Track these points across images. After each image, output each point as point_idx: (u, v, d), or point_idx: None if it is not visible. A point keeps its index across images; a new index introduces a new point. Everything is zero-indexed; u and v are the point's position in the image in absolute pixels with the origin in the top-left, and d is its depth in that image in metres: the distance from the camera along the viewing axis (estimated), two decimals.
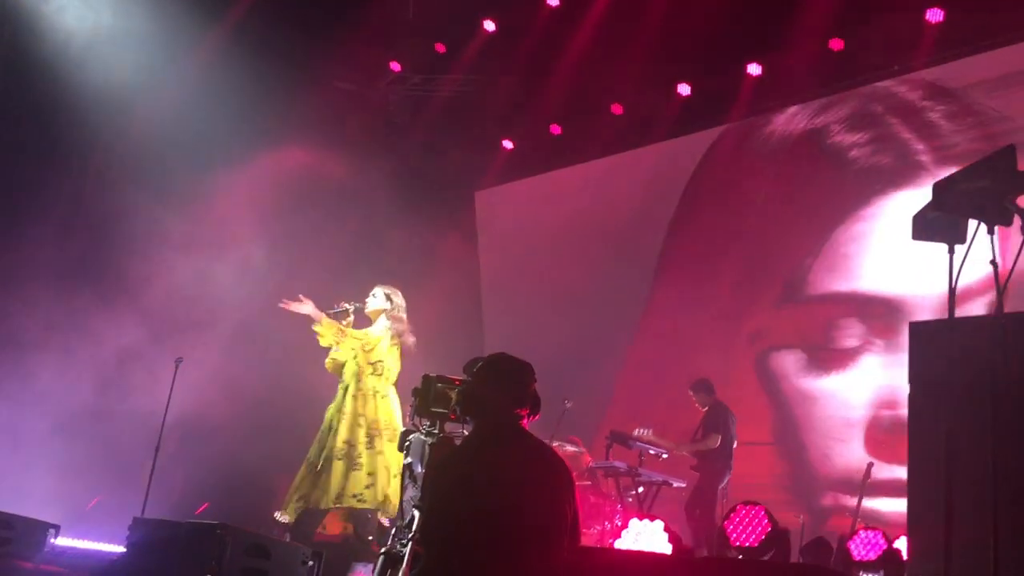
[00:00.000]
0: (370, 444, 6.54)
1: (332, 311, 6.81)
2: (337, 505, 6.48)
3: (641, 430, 8.58)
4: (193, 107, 9.47)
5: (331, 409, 6.79)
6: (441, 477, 3.47)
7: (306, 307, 6.72)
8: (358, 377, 6.70)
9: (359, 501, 6.40)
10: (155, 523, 5.67)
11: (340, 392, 6.78)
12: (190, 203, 9.20)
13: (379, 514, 6.56)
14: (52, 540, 6.27)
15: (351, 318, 6.89)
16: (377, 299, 6.92)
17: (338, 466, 6.45)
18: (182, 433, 8.57)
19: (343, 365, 6.82)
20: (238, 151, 9.32)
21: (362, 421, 6.60)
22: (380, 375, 6.73)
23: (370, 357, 6.73)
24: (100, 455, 8.51)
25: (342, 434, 6.54)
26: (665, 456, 8.66)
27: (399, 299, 6.90)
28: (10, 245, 8.69)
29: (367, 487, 6.43)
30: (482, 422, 3.61)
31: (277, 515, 6.56)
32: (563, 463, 3.59)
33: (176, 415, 7.72)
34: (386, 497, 6.44)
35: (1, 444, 8.23)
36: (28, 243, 8.75)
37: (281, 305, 6.77)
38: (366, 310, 6.90)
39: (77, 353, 8.76)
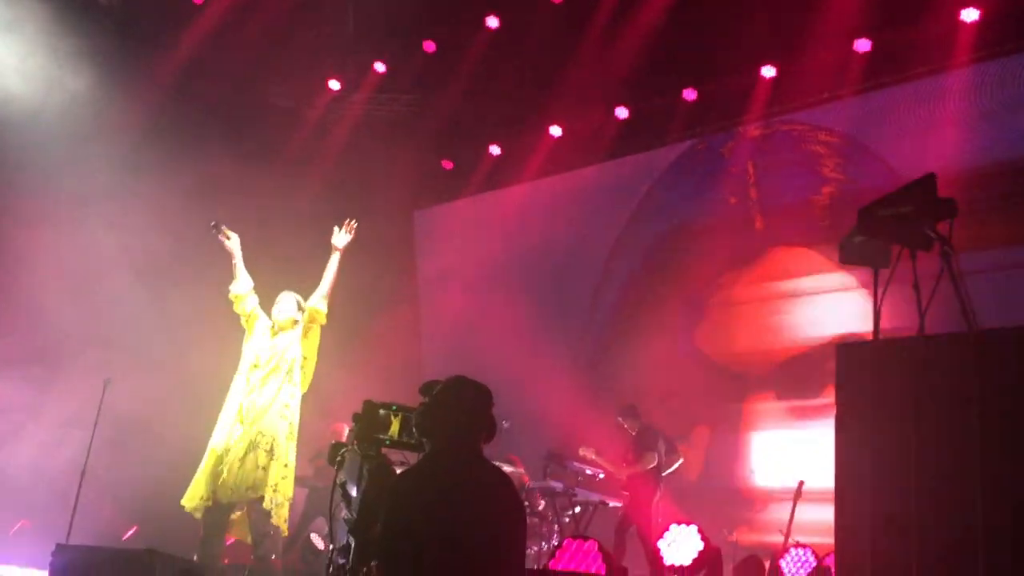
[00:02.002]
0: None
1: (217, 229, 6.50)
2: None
3: (585, 450, 8.62)
4: (129, 130, 9.35)
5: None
6: (404, 504, 3.43)
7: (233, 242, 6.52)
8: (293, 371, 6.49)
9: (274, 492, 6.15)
10: (80, 549, 5.51)
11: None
12: (112, 217, 9.05)
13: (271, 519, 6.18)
14: None
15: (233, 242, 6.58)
16: (289, 307, 6.50)
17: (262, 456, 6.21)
18: (110, 455, 8.35)
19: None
20: (163, 165, 9.18)
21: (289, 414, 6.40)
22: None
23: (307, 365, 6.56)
24: (26, 477, 8.28)
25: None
26: (602, 476, 8.70)
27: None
28: None
29: (283, 478, 6.22)
30: (444, 445, 3.59)
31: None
32: (517, 492, 3.63)
33: (104, 436, 7.54)
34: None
35: None
36: None
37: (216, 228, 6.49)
38: (274, 317, 6.51)
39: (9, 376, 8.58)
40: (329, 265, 6.60)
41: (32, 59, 9.07)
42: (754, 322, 9.59)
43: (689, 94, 9.90)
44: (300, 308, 6.49)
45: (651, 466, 8.44)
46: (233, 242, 6.56)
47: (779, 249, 9.56)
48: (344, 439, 6.08)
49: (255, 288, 6.61)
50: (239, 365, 6.46)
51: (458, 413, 3.60)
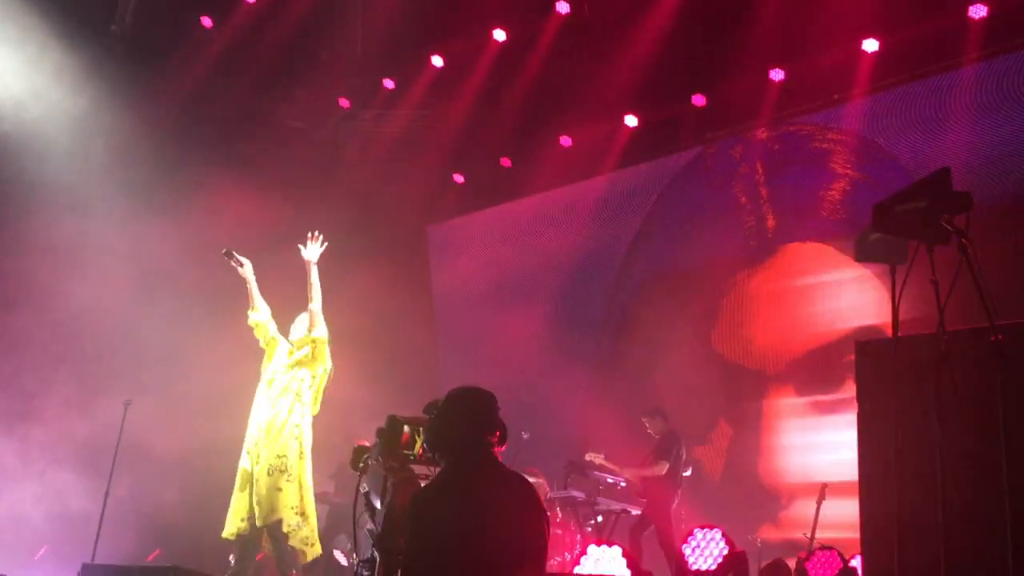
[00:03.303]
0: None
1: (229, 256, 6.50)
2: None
3: (593, 455, 8.62)
4: (138, 151, 9.42)
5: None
6: (425, 521, 3.43)
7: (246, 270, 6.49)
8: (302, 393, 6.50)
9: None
10: (106, 568, 5.53)
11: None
12: (129, 241, 9.11)
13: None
14: None
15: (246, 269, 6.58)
16: (302, 327, 6.54)
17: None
18: (131, 477, 8.39)
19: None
20: (179, 189, 9.24)
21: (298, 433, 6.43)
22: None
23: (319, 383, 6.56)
24: (47, 502, 8.32)
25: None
26: (623, 484, 8.68)
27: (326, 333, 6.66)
28: None
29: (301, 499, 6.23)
30: (457, 457, 3.59)
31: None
32: (536, 493, 3.62)
33: (126, 457, 7.58)
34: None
35: None
36: None
37: (228, 255, 6.48)
38: (290, 338, 6.57)
39: (20, 399, 8.61)
40: (310, 281, 6.45)
41: (39, 77, 9.11)
42: (770, 319, 9.56)
43: (698, 100, 9.90)
44: (322, 325, 6.49)
45: (660, 474, 8.42)
46: (246, 268, 6.57)
47: (792, 246, 9.54)
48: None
49: (273, 314, 6.61)
50: (258, 387, 6.49)
51: (463, 422, 3.60)
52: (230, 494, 6.30)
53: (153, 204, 9.16)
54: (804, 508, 8.19)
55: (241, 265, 6.54)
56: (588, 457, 8.59)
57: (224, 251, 6.53)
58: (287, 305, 6.72)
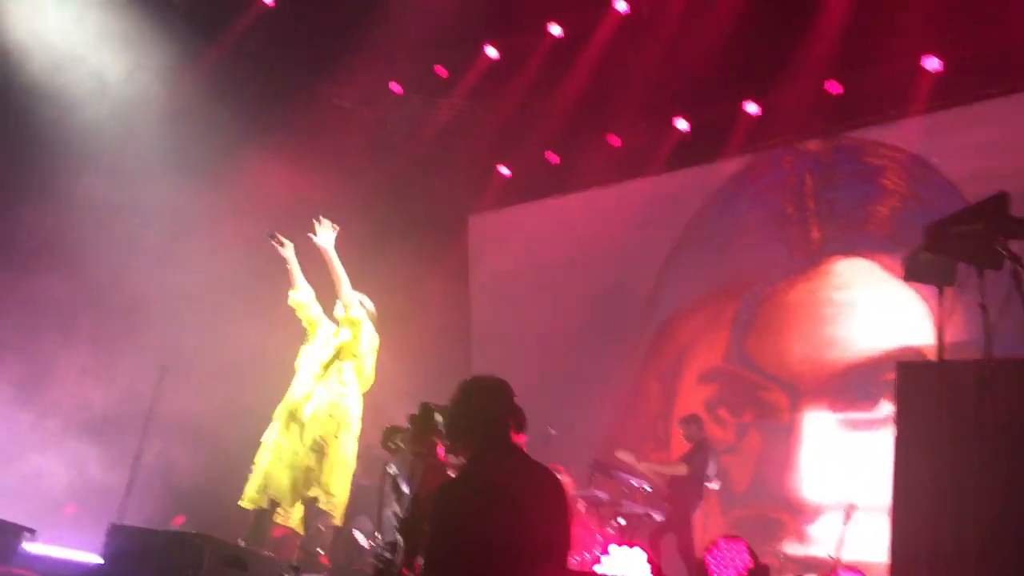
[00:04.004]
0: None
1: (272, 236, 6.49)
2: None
3: (623, 452, 8.60)
4: (183, 117, 9.44)
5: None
6: (451, 514, 3.40)
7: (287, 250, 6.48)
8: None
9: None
10: (132, 531, 5.61)
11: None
12: (173, 214, 9.18)
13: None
14: (24, 545, 6.17)
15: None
16: (341, 309, 6.48)
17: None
18: (164, 441, 8.48)
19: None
20: (226, 163, 9.30)
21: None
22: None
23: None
24: (79, 460, 8.43)
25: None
26: (649, 489, 8.64)
27: (370, 304, 6.62)
28: None
29: (338, 476, 6.27)
30: (480, 444, 3.57)
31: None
32: (563, 488, 3.62)
33: (157, 423, 7.65)
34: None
35: None
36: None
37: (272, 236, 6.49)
38: (335, 314, 6.52)
39: (56, 357, 8.70)
40: (331, 268, 6.35)
41: (88, 36, 9.11)
42: (808, 332, 9.46)
43: (751, 107, 9.81)
44: (357, 306, 6.47)
45: (679, 474, 8.43)
46: (288, 250, 6.56)
47: (836, 258, 9.42)
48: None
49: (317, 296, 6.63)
50: (297, 366, 6.52)
51: (485, 403, 3.61)
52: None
53: (192, 170, 9.20)
54: (830, 526, 8.10)
55: (283, 245, 6.57)
56: (618, 454, 8.58)
57: (268, 232, 6.55)
58: (328, 283, 6.70)
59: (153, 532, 5.55)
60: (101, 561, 5.51)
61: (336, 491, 6.20)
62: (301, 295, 6.58)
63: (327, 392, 6.33)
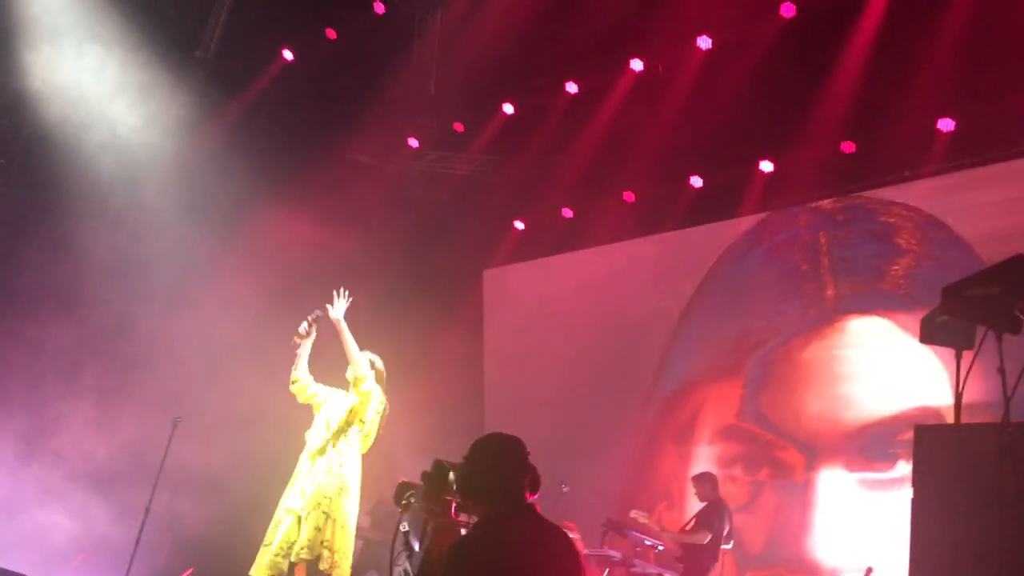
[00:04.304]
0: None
1: (310, 319, 6.44)
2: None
3: (638, 513, 8.47)
4: (198, 169, 9.55)
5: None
6: (465, 566, 3.36)
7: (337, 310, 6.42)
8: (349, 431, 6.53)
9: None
10: None
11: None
12: (184, 266, 9.21)
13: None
14: None
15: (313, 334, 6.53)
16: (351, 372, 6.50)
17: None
18: (172, 493, 8.44)
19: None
20: (240, 216, 9.36)
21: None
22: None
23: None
24: (89, 513, 8.39)
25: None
26: (661, 548, 8.52)
27: (380, 364, 6.64)
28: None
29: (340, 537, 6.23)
30: (493, 504, 3.53)
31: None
32: (576, 548, 3.57)
33: (167, 474, 7.62)
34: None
35: None
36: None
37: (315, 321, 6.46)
38: (347, 375, 6.51)
39: (61, 407, 8.70)
40: (342, 339, 6.36)
41: (111, 88, 9.25)
42: (823, 389, 9.37)
43: (766, 166, 9.86)
44: (369, 380, 6.42)
45: (702, 543, 8.25)
46: (310, 339, 6.55)
47: (851, 316, 9.35)
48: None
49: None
50: (306, 446, 6.47)
51: (499, 467, 3.55)
52: (267, 514, 6.32)
53: (205, 222, 9.25)
54: None
55: (310, 335, 6.53)
56: (633, 515, 8.45)
57: (316, 316, 6.48)
58: (339, 352, 6.64)
59: None
60: None
61: (339, 549, 6.17)
62: (299, 372, 6.56)
63: (331, 454, 6.35)
